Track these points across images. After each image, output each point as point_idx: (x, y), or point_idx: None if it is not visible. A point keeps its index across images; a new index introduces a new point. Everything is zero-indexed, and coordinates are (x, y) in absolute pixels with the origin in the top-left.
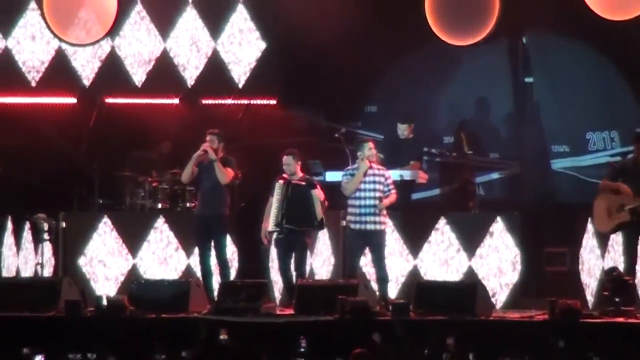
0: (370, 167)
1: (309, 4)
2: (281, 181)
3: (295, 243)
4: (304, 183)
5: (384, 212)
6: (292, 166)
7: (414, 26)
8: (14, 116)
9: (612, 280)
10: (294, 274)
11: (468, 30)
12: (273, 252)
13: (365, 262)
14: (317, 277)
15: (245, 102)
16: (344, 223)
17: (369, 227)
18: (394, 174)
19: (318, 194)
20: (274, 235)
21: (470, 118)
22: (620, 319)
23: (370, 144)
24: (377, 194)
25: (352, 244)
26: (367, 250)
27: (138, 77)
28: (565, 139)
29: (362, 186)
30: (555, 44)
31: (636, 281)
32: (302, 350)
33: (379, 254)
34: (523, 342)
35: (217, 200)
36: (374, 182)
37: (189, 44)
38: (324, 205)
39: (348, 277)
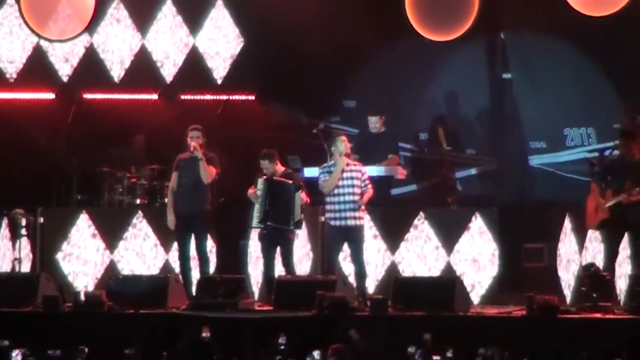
0: (347, 164)
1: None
2: (264, 177)
3: (279, 239)
4: (290, 181)
5: (362, 207)
6: (270, 168)
7: (393, 21)
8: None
9: (589, 276)
10: (280, 270)
11: (447, 25)
12: (251, 247)
13: (344, 257)
14: (295, 273)
15: (224, 97)
16: (322, 219)
17: (349, 222)
18: (372, 170)
19: (302, 197)
20: (258, 231)
21: (447, 114)
22: (598, 315)
23: (343, 137)
24: (356, 190)
25: (331, 240)
26: (345, 246)
27: (116, 72)
28: (542, 135)
29: (340, 182)
30: (533, 40)
31: (615, 278)
32: (281, 345)
33: (358, 249)
34: (501, 338)
35: (198, 196)
36: (352, 178)
37: (168, 40)
38: (304, 208)
39: (327, 273)
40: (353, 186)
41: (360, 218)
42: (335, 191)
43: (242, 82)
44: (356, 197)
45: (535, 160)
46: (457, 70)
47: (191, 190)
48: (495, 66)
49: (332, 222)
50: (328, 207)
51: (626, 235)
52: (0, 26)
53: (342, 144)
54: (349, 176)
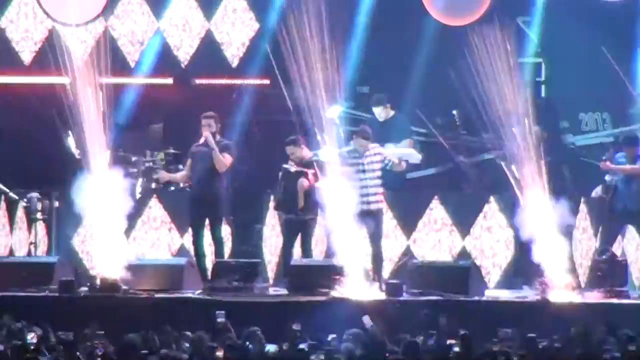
0: (367, 149)
1: None
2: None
3: (299, 225)
4: (299, 169)
5: (380, 190)
6: (295, 153)
7: (409, 5)
8: (9, 95)
9: (605, 261)
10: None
11: (463, 10)
12: (266, 232)
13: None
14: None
15: (239, 82)
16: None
17: (372, 207)
18: (391, 152)
19: (301, 184)
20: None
21: (464, 98)
22: (613, 300)
23: (362, 141)
24: (377, 173)
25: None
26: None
27: (132, 57)
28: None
29: (362, 168)
30: (551, 24)
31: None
32: (296, 329)
33: (378, 232)
34: (516, 322)
35: (213, 182)
36: (372, 162)
37: (182, 24)
38: (309, 193)
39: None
40: (374, 170)
41: (381, 202)
42: (359, 177)
43: (257, 66)
44: (377, 181)
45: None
46: (473, 55)
47: (206, 177)
48: (511, 51)
49: (359, 207)
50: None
51: None
52: (16, 10)
53: (360, 146)
54: (370, 161)
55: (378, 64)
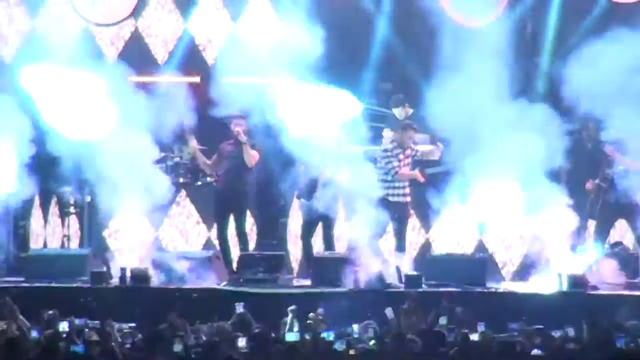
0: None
1: None
2: None
3: (319, 215)
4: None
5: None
6: None
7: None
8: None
9: (616, 253)
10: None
11: (480, 11)
12: (290, 225)
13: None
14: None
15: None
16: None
17: (402, 199)
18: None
19: (323, 173)
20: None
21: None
22: (626, 292)
23: (412, 133)
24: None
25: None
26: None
27: (160, 56)
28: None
29: (400, 162)
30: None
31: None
32: (318, 316)
33: (403, 225)
34: (532, 313)
35: (239, 179)
36: (409, 161)
37: (209, 25)
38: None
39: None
40: (409, 164)
41: (409, 195)
42: (393, 169)
43: (281, 66)
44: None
45: None
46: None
47: (235, 172)
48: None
49: (391, 198)
50: (384, 184)
51: None
52: (52, 11)
53: (409, 139)
54: (408, 154)
55: (398, 62)
